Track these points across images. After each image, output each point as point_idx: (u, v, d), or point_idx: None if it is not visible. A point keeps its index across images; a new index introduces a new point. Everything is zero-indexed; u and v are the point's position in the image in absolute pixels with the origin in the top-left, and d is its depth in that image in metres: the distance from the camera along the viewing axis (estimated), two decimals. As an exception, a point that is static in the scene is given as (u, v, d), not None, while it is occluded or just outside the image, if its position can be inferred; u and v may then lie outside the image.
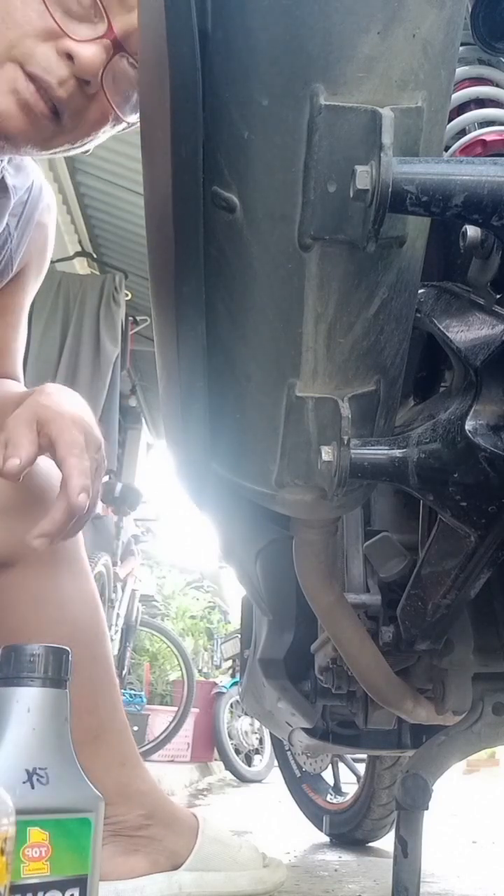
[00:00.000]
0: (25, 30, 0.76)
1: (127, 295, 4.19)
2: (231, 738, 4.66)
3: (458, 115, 0.80)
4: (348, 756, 1.98)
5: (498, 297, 0.66)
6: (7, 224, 1.00)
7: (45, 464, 0.93)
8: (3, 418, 0.87)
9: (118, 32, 0.78)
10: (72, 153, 0.88)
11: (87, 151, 0.90)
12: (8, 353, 1.10)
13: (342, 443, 0.64)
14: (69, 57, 0.77)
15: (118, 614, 3.78)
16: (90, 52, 0.77)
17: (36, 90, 0.77)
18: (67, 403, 0.88)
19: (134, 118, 0.85)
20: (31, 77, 0.77)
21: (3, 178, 0.97)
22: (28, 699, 0.55)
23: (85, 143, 0.86)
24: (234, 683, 4.61)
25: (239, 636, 1.51)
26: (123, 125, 0.86)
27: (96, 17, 0.77)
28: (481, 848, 1.93)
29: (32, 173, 1.04)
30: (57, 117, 0.80)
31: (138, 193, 3.02)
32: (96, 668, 0.99)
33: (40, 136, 0.81)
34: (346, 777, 2.04)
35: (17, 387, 1.09)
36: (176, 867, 0.99)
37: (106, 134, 0.86)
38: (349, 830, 1.81)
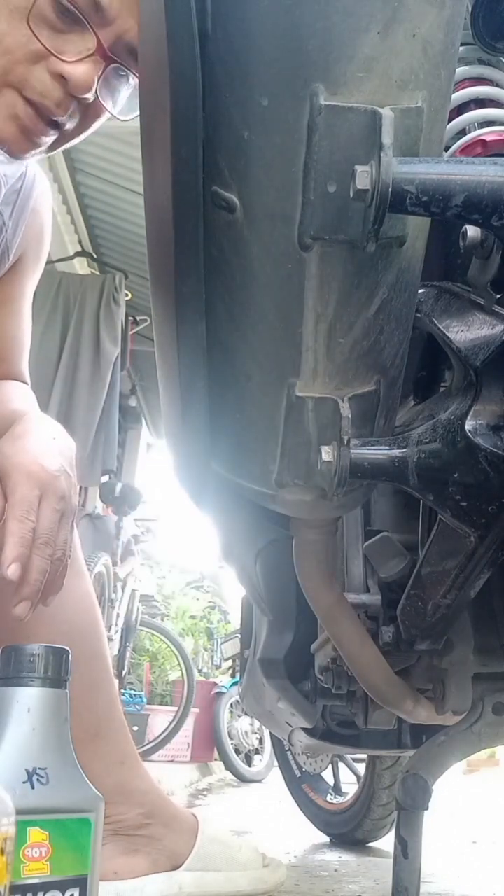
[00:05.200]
0: (17, 55, 0.75)
1: (127, 295, 4.19)
2: (231, 738, 4.65)
3: (458, 115, 0.80)
4: (348, 756, 1.98)
5: (498, 297, 0.66)
6: (0, 213, 1.00)
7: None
8: None
9: (107, 44, 0.77)
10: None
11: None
12: (11, 343, 1.09)
13: (342, 443, 0.64)
14: (62, 77, 0.76)
15: (118, 614, 3.77)
16: (82, 72, 0.76)
17: (35, 113, 0.78)
18: (33, 448, 0.85)
19: (128, 109, 0.86)
20: (29, 102, 0.77)
21: None
22: (28, 699, 0.55)
23: (83, 137, 0.87)
24: (234, 683, 4.60)
25: (239, 636, 1.51)
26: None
27: (83, 30, 0.76)
28: (481, 848, 1.93)
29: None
30: (57, 129, 0.81)
31: (138, 193, 3.02)
32: (94, 666, 1.00)
33: (43, 148, 0.83)
34: (346, 777, 2.04)
35: (15, 397, 1.06)
36: (176, 867, 0.99)
37: (100, 122, 0.87)
38: (349, 830, 1.80)
